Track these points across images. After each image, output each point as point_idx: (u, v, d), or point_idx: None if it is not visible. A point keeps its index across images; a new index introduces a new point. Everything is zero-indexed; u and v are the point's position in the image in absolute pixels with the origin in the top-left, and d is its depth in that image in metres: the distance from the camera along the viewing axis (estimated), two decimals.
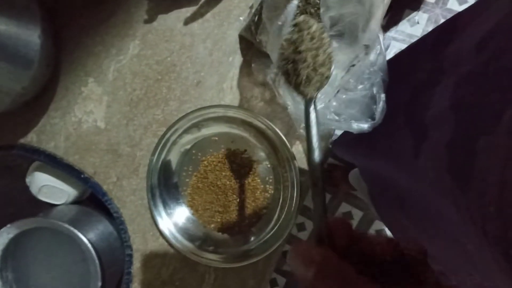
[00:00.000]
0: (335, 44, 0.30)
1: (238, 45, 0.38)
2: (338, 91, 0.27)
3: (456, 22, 0.36)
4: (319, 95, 0.27)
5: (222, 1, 0.38)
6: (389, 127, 0.31)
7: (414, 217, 0.37)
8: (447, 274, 0.35)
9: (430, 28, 1.17)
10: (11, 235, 0.40)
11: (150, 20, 0.40)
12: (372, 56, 0.30)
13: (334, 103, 0.31)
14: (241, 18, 0.37)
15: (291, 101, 0.29)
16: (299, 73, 0.19)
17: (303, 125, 0.28)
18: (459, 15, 0.37)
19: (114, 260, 0.43)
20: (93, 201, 0.47)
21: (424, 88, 0.36)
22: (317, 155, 0.19)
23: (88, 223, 0.43)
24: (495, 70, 0.25)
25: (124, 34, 0.41)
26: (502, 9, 0.27)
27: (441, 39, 0.37)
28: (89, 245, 0.39)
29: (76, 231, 0.39)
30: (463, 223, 0.27)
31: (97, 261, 0.39)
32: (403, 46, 1.17)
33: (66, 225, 0.39)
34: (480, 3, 0.33)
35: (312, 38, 0.19)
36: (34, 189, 0.44)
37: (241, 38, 0.38)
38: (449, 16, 1.21)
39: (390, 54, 1.18)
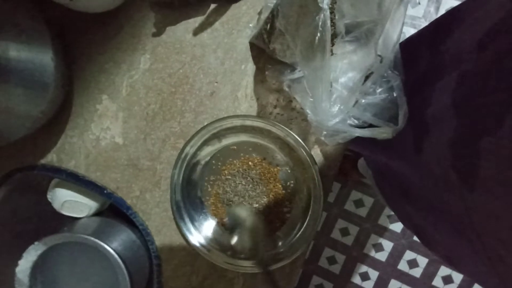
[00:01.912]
0: (350, 46, 0.30)
1: (249, 53, 0.38)
2: (357, 101, 0.27)
3: (454, 14, 0.36)
4: (338, 104, 0.27)
5: (229, 10, 0.38)
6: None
7: (418, 206, 0.38)
8: (452, 259, 0.36)
9: (431, 8, 1.15)
10: (39, 252, 0.41)
11: (158, 33, 0.40)
12: (390, 56, 0.30)
13: (353, 108, 0.31)
14: (250, 25, 0.37)
15: (310, 108, 0.29)
16: None
17: (324, 132, 0.29)
18: (457, 8, 0.36)
19: (139, 267, 0.44)
20: (114, 211, 0.48)
21: (424, 82, 0.36)
22: None
23: (111, 233, 0.44)
24: (499, 71, 0.25)
25: (133, 48, 0.41)
26: (503, 6, 0.27)
27: (440, 31, 0.37)
28: (116, 255, 0.40)
29: (101, 243, 0.40)
30: (469, 219, 0.27)
31: (124, 270, 0.40)
32: (405, 29, 1.15)
33: (92, 238, 0.41)
34: (476, 3, 0.33)
35: None
36: (56, 205, 0.45)
37: (252, 45, 0.37)
38: None
39: None
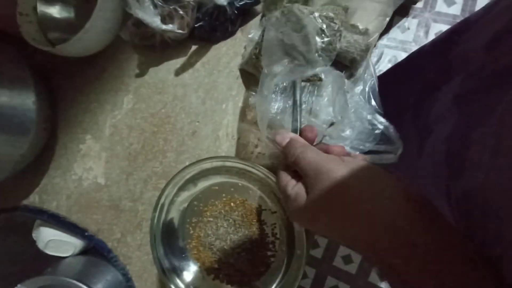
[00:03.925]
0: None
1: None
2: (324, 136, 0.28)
3: (463, 24, 0.37)
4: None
5: (210, 51, 0.39)
6: (396, 127, 0.31)
7: None
8: None
9: (421, 33, 1.17)
10: None
11: (141, 74, 0.40)
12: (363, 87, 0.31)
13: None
14: (242, 52, 0.37)
15: None
16: None
17: None
18: (467, 18, 0.37)
19: None
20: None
21: (431, 88, 0.36)
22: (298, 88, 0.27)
23: (96, 274, 0.43)
24: (500, 67, 0.25)
25: (117, 89, 0.41)
26: (508, 10, 0.28)
27: (449, 40, 0.38)
28: None
29: (84, 287, 0.39)
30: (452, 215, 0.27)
31: None
32: (397, 52, 1.17)
33: (74, 281, 0.39)
34: (485, 8, 0.34)
35: None
36: (41, 244, 0.44)
37: (242, 71, 0.38)
38: (438, 19, 1.21)
39: (383, 62, 1.18)
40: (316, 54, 0.25)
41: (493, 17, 0.31)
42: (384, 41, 1.20)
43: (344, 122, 0.29)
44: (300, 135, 0.27)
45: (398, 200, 0.19)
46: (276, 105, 0.28)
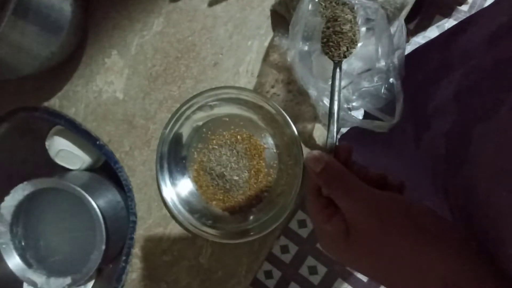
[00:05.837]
0: (365, 40, 0.30)
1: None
2: (351, 82, 0.28)
3: (468, 19, 0.36)
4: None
5: None
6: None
7: None
8: None
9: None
10: (26, 192, 0.42)
11: None
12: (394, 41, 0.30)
13: (346, 92, 0.31)
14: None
15: (309, 83, 0.30)
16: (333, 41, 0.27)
17: (322, 112, 0.29)
18: (472, 14, 0.37)
19: (119, 227, 0.45)
20: (105, 170, 0.49)
21: (430, 80, 0.36)
22: (336, 99, 0.25)
23: (98, 190, 0.45)
24: (504, 61, 0.25)
25: (149, 10, 0.42)
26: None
27: (453, 33, 0.37)
28: (98, 210, 0.41)
29: (87, 195, 0.41)
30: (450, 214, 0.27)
31: (103, 226, 0.41)
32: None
33: (79, 189, 0.42)
34: (490, 4, 0.33)
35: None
36: (52, 152, 0.47)
37: (274, 13, 0.38)
38: None
39: None
40: None
41: (496, 11, 0.30)
42: (419, 38, 1.16)
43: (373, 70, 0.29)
44: (335, 153, 0.24)
45: (450, 250, 0.19)
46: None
